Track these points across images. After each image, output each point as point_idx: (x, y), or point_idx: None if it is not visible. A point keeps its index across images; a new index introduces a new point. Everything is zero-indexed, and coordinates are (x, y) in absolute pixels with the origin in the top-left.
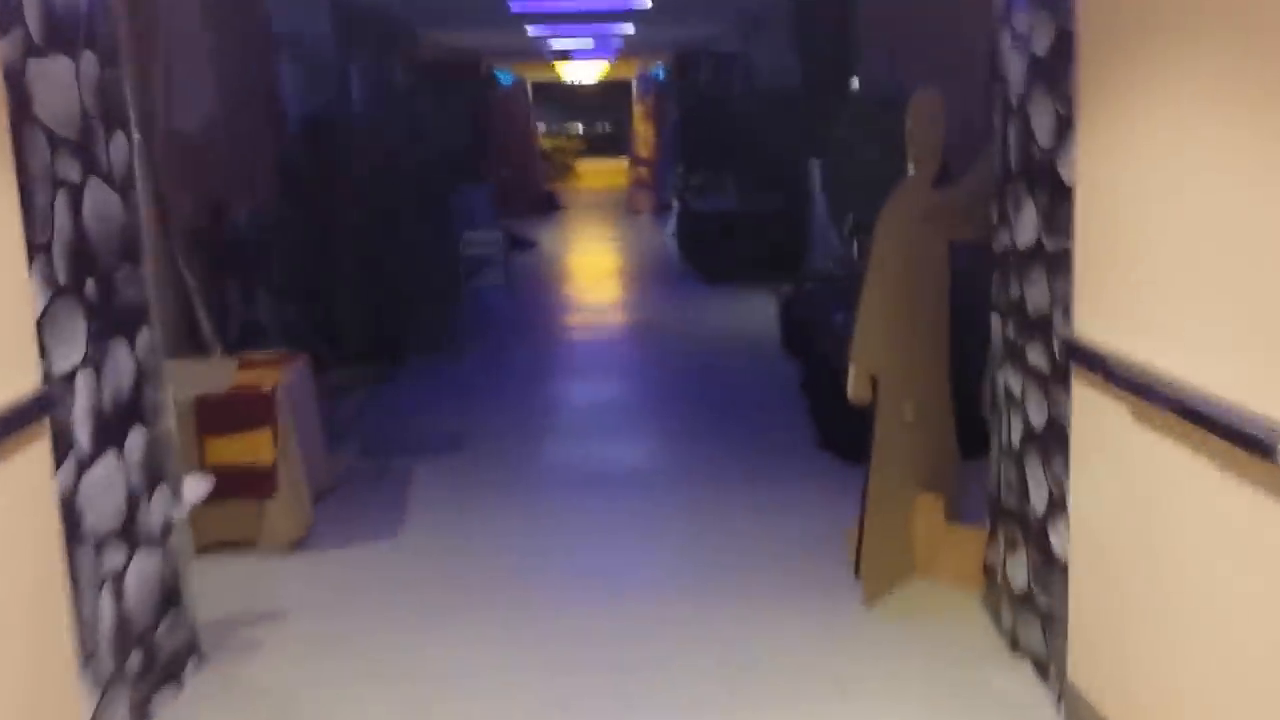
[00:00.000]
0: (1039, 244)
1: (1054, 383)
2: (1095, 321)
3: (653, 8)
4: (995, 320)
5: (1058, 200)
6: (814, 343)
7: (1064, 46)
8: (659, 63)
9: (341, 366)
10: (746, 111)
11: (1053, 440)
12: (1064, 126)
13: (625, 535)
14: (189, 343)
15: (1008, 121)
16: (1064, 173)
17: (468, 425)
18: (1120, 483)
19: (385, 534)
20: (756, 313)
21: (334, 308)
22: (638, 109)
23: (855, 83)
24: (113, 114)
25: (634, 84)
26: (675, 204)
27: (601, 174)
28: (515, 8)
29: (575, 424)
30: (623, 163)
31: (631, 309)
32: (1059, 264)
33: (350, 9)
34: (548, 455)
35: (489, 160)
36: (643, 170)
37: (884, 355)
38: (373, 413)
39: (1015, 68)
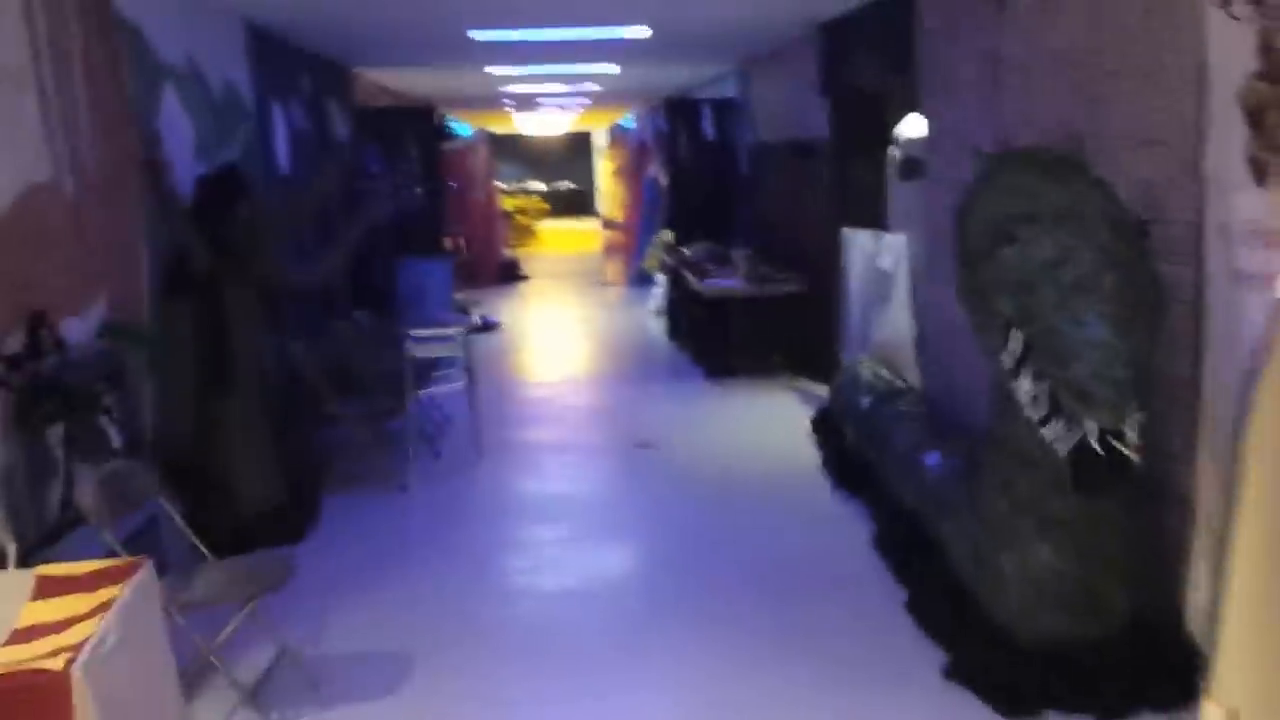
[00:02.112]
0: None
1: None
2: None
3: (651, 38)
4: None
5: None
6: (888, 484)
7: None
8: (634, 113)
9: (231, 550)
10: (756, 170)
11: None
12: None
13: None
14: None
15: None
16: None
17: (407, 634)
18: None
19: None
20: (780, 421)
21: (226, 465)
22: (606, 165)
23: (906, 133)
24: None
25: (600, 136)
26: (663, 278)
27: (565, 238)
28: (478, 38)
29: (562, 626)
30: (588, 224)
31: (624, 419)
32: None
33: (274, 40)
34: (523, 696)
35: (447, 226)
36: (616, 235)
37: (1262, 676)
38: (268, 624)
39: None
